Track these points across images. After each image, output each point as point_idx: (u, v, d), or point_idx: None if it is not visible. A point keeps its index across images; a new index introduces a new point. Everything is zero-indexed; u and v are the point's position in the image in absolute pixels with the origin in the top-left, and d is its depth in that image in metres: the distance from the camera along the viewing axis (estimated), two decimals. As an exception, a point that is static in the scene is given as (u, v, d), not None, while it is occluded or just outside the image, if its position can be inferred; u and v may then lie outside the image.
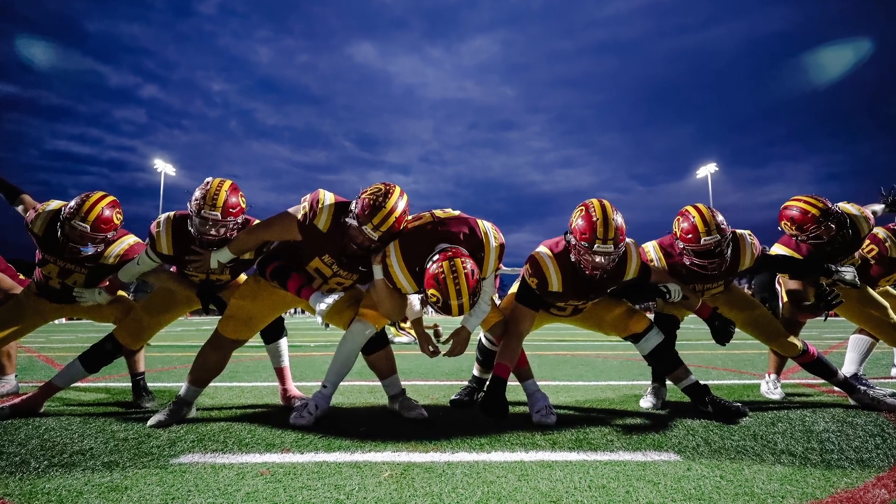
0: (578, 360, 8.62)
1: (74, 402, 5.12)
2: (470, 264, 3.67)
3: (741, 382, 6.33)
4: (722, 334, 4.50)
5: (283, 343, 5.23)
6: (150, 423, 4.19)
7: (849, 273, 4.61)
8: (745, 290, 5.45)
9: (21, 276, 5.98)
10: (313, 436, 3.91)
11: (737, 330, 4.54)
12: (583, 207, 4.12)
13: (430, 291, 3.66)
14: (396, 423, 4.33)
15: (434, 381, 6.32)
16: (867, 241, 5.40)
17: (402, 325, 11.58)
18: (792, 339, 4.92)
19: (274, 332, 5.16)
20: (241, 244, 4.32)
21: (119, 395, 5.49)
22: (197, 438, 3.84)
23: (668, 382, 5.34)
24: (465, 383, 5.48)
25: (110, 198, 4.54)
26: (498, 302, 5.07)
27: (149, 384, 5.60)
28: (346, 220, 3.92)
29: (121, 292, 5.12)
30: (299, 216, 4.03)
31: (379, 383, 5.68)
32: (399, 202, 3.91)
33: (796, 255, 4.93)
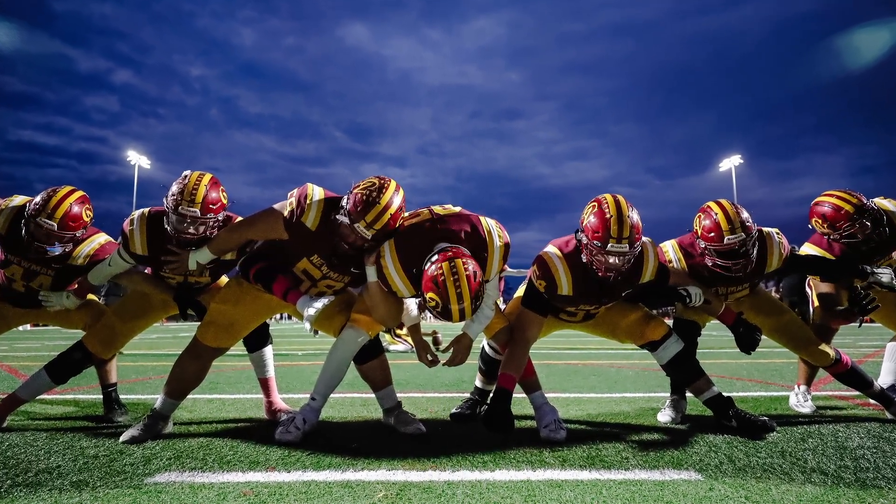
0: (590, 369, 8.63)
1: (40, 416, 5.13)
2: (472, 265, 3.67)
3: (768, 394, 6.34)
4: (747, 342, 4.50)
5: (268, 351, 5.23)
6: (122, 438, 4.19)
7: (885, 275, 4.61)
8: (773, 294, 5.45)
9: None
10: (301, 452, 3.91)
11: (763, 337, 4.55)
12: (595, 203, 4.12)
13: (429, 295, 3.66)
14: (392, 438, 4.33)
15: (433, 393, 6.32)
16: (906, 240, 5.40)
17: (398, 331, 11.59)
18: (823, 346, 4.92)
19: (258, 340, 5.16)
20: (223, 243, 4.33)
21: (89, 409, 5.49)
22: (174, 456, 3.84)
23: (689, 394, 5.34)
24: (467, 395, 5.48)
25: (79, 193, 4.54)
26: (502, 306, 5.07)
27: (121, 396, 5.61)
28: (337, 217, 3.92)
29: (91, 296, 5.12)
30: (285, 213, 4.03)
31: (372, 395, 5.68)
32: (394, 198, 3.92)
33: (828, 256, 4.93)
